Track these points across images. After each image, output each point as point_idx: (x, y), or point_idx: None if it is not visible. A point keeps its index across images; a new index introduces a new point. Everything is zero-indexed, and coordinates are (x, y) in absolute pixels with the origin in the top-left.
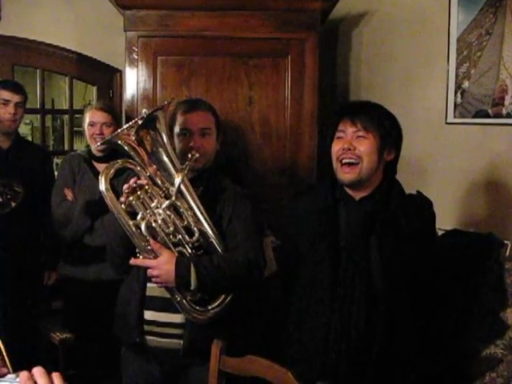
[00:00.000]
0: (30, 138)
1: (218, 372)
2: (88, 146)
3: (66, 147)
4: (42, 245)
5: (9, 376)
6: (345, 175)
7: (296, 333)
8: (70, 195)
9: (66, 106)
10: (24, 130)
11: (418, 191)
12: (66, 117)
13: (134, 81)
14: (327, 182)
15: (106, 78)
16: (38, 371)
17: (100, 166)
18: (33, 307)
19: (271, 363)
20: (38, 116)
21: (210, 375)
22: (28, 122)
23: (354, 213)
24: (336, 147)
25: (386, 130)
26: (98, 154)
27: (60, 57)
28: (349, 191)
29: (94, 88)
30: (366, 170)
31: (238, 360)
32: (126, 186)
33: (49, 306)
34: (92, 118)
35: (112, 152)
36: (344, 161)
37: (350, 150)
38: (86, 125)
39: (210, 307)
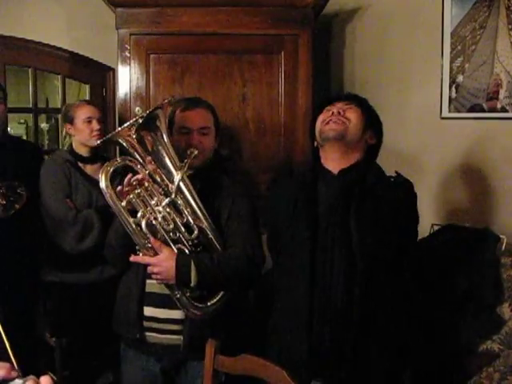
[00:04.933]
0: (24, 138)
1: (212, 371)
2: (69, 147)
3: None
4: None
5: (16, 381)
6: (331, 126)
7: (279, 310)
8: (72, 206)
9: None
10: (19, 129)
11: (396, 171)
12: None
13: (127, 79)
14: (307, 164)
15: (99, 77)
16: (45, 381)
17: (88, 168)
18: (30, 307)
19: (266, 362)
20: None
21: (204, 375)
22: (22, 121)
23: (332, 185)
24: (323, 116)
25: (371, 113)
26: (87, 154)
27: (52, 55)
28: (328, 165)
29: (87, 86)
30: (351, 131)
31: (232, 359)
32: (126, 182)
33: (44, 306)
34: (89, 113)
35: (97, 153)
36: (332, 122)
37: (339, 113)
38: (79, 122)
39: (209, 303)
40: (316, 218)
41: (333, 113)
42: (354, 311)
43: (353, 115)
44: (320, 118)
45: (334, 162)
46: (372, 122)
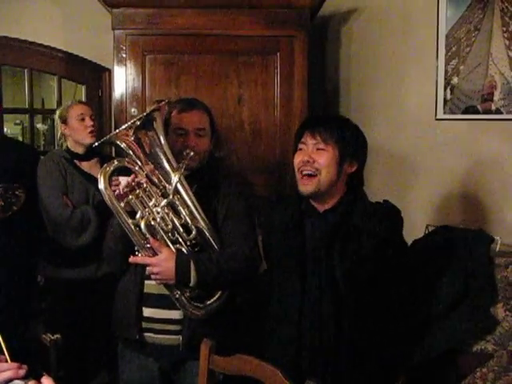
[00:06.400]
0: (20, 139)
1: (208, 371)
2: (66, 147)
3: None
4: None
5: (17, 382)
6: (304, 187)
7: (272, 337)
8: (68, 203)
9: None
10: (14, 130)
11: (385, 200)
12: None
13: (123, 80)
14: (294, 194)
15: (95, 77)
16: (47, 382)
17: (84, 165)
18: (25, 308)
19: (261, 362)
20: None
21: (199, 375)
22: (18, 122)
23: (318, 225)
24: (297, 159)
25: (346, 142)
26: (83, 152)
27: (48, 56)
28: (313, 203)
29: (83, 87)
30: (324, 181)
31: (227, 359)
32: (124, 184)
33: (39, 306)
34: (81, 111)
35: (92, 150)
36: (304, 172)
37: (309, 162)
38: (72, 121)
39: (207, 303)
40: (304, 265)
41: (303, 161)
42: (345, 346)
43: (323, 160)
44: (295, 160)
45: (317, 203)
46: (352, 150)
